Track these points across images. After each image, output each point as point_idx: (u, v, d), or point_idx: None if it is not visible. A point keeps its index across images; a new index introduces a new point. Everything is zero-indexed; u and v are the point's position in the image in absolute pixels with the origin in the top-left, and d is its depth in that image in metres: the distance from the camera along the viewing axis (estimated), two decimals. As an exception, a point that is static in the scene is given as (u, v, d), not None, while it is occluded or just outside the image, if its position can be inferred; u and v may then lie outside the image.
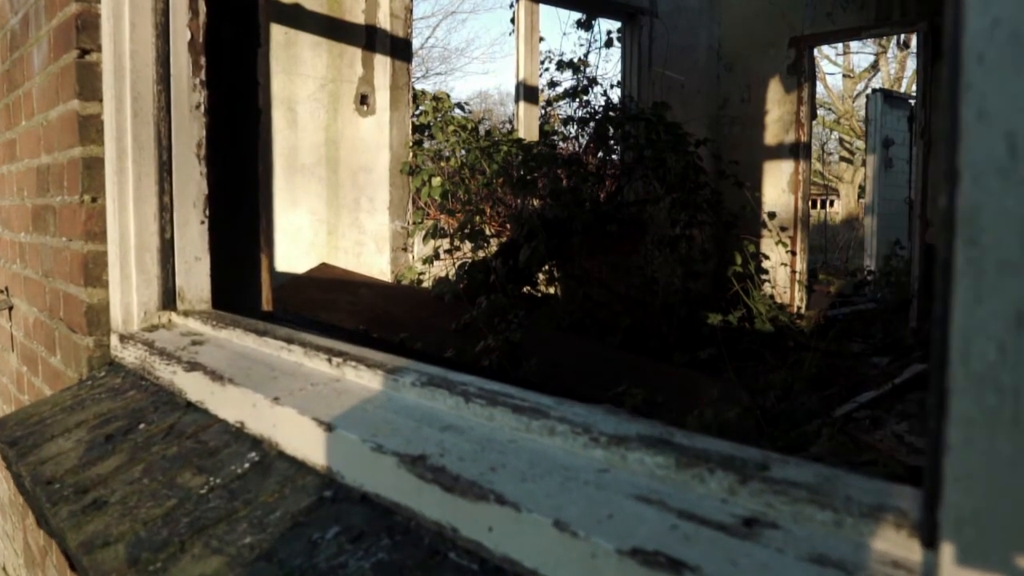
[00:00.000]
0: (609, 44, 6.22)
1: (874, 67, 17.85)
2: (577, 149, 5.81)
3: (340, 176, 4.64)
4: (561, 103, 6.08)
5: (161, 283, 1.52)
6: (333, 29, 4.52)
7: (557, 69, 5.92)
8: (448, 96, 5.50)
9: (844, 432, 3.57)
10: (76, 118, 1.54)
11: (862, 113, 15.91)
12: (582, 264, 5.10)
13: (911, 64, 16.70)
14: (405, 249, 4.91)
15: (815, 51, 6.97)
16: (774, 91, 6.72)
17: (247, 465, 0.97)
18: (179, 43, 1.52)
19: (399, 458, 0.76)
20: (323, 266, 4.40)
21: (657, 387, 3.65)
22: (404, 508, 0.76)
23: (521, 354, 3.78)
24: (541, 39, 5.80)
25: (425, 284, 4.78)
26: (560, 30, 30.15)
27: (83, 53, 1.53)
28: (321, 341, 1.15)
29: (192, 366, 1.21)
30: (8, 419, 1.47)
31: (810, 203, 6.95)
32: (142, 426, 1.19)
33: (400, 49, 4.80)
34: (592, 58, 6.95)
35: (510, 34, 5.84)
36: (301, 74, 4.42)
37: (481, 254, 4.73)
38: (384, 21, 4.72)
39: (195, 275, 1.56)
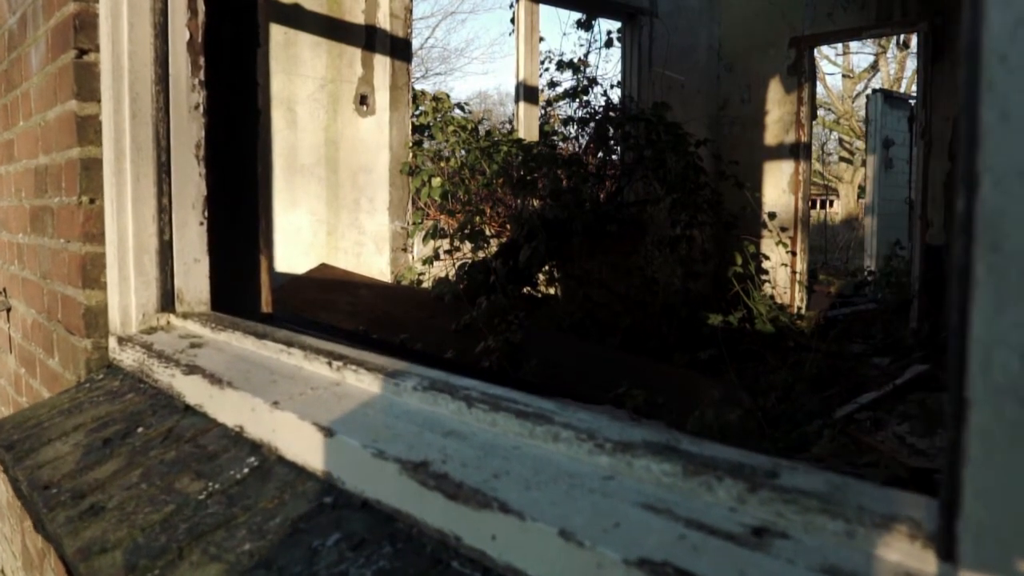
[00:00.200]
0: (609, 44, 6.21)
1: (874, 67, 17.85)
2: (577, 149, 5.80)
3: (340, 176, 4.62)
4: (561, 103, 6.07)
5: (160, 285, 1.51)
6: (333, 29, 4.51)
7: (557, 69, 5.91)
8: (448, 96, 5.49)
9: (845, 433, 3.56)
10: (74, 119, 1.53)
11: (862, 113, 15.92)
12: (582, 264, 5.09)
13: (911, 64, 16.72)
14: (405, 249, 4.90)
15: (815, 51, 6.96)
16: (774, 91, 6.71)
17: (246, 470, 0.96)
18: (178, 43, 1.51)
19: (401, 464, 0.75)
20: (323, 267, 4.39)
21: (658, 388, 3.64)
22: (406, 515, 0.75)
23: (521, 355, 3.76)
24: (541, 39, 5.80)
25: (425, 285, 4.77)
26: (560, 30, 30.12)
27: (81, 53, 1.52)
28: (321, 344, 1.14)
29: (191, 369, 1.19)
30: (5, 422, 1.46)
31: (810, 203, 6.94)
32: (140, 430, 1.18)
33: (400, 49, 4.79)
34: (592, 58, 6.94)
35: (510, 34, 5.83)
36: (301, 74, 4.40)
37: (481, 254, 4.72)
38: (384, 21, 4.70)
39: (194, 277, 1.54)
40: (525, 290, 4.85)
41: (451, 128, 5.29)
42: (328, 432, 0.86)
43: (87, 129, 1.53)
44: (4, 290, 2.34)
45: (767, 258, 5.87)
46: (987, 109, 0.39)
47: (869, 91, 11.53)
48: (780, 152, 6.71)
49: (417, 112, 5.28)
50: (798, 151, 6.60)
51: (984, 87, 0.39)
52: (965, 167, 0.41)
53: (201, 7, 1.53)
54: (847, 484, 0.57)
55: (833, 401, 4.12)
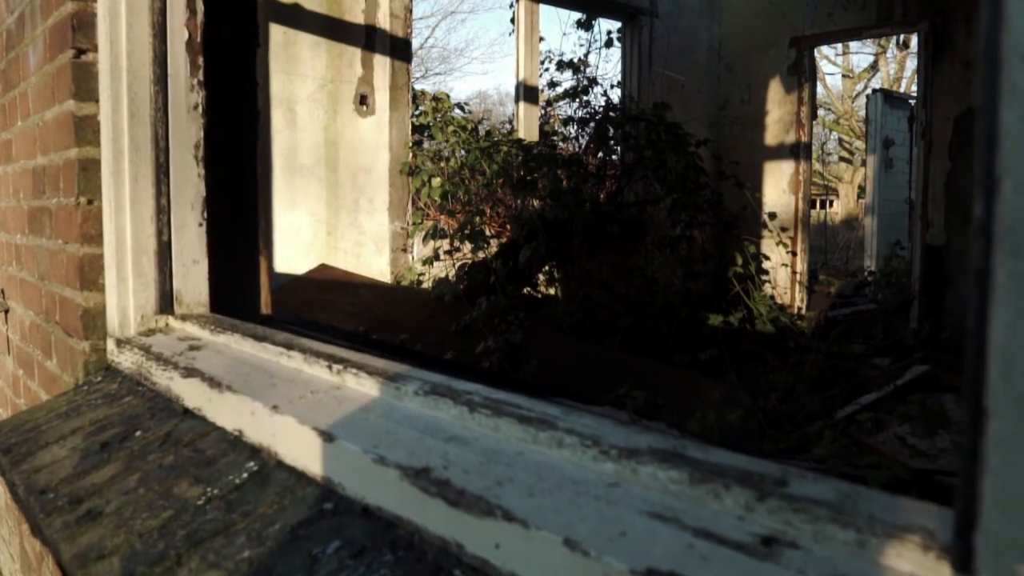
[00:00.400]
0: (609, 44, 6.20)
1: (873, 67, 17.84)
2: (577, 149, 5.78)
3: (339, 177, 4.61)
4: (561, 103, 6.06)
5: (158, 287, 1.50)
6: (332, 29, 4.50)
7: (557, 69, 5.89)
8: (448, 96, 5.48)
9: (846, 434, 3.55)
10: (72, 119, 1.52)
11: (861, 113, 15.91)
12: (582, 265, 5.08)
13: (911, 64, 16.71)
14: (405, 250, 4.89)
15: (815, 51, 6.95)
16: (774, 91, 6.70)
17: (245, 475, 0.94)
18: (176, 43, 1.50)
19: (402, 470, 0.74)
20: (322, 267, 4.38)
21: (658, 389, 3.63)
22: (407, 522, 0.73)
23: (521, 355, 3.75)
24: (541, 39, 5.78)
25: (425, 285, 4.76)
26: (560, 30, 30.12)
27: (79, 53, 1.51)
28: (321, 347, 1.12)
29: (189, 372, 1.18)
30: (2, 425, 1.44)
31: (810, 203, 6.93)
32: (138, 433, 1.17)
33: (400, 49, 4.78)
34: (592, 58, 6.93)
35: (510, 34, 5.81)
36: (300, 74, 4.39)
37: (481, 255, 4.71)
38: (384, 21, 4.69)
39: (193, 278, 1.53)
40: (525, 290, 4.84)
41: (451, 128, 5.27)
42: (328, 437, 0.85)
43: (85, 129, 1.52)
44: (2, 291, 2.33)
45: (767, 258, 5.86)
46: (1008, 111, 0.38)
47: (869, 91, 11.52)
48: (780, 152, 6.70)
49: (417, 112, 5.27)
50: (798, 151, 6.59)
51: (1005, 88, 0.38)
52: (983, 170, 0.40)
53: (200, 7, 1.52)
54: (857, 492, 0.56)
55: (834, 402, 4.11)
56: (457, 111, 5.59)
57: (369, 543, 0.75)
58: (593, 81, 5.88)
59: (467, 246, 4.74)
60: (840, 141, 18.88)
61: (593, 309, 4.99)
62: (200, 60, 1.52)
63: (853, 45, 17.71)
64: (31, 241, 1.92)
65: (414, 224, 4.92)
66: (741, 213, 6.31)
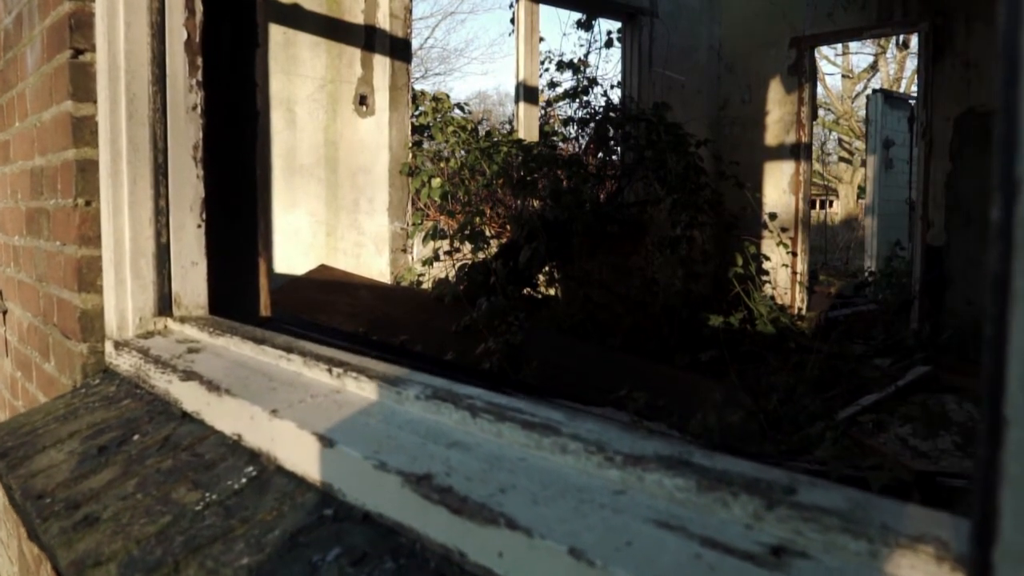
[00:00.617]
0: (609, 44, 6.19)
1: (873, 67, 17.84)
2: (577, 150, 5.77)
3: (339, 177, 4.60)
4: (561, 104, 6.05)
5: (157, 288, 1.49)
6: (332, 29, 4.49)
7: (557, 69, 5.89)
8: (448, 97, 5.46)
9: (847, 436, 3.54)
10: (70, 119, 1.51)
11: (861, 113, 15.91)
12: (582, 265, 5.07)
13: (910, 64, 16.71)
14: (404, 250, 4.88)
15: (815, 51, 6.94)
16: (775, 92, 6.69)
17: (244, 480, 0.93)
18: (175, 43, 1.49)
19: (403, 477, 0.73)
20: (322, 267, 4.37)
21: (659, 390, 3.62)
22: (408, 529, 0.72)
23: (522, 356, 3.74)
24: (541, 39, 5.77)
25: (425, 286, 4.75)
26: (560, 30, 30.12)
27: (77, 53, 1.49)
28: (321, 350, 1.11)
29: (188, 375, 1.17)
30: (0, 428, 1.43)
31: (810, 204, 6.92)
32: (136, 437, 1.16)
33: (399, 49, 4.77)
34: (592, 58, 6.91)
35: (510, 34, 5.80)
36: (300, 74, 4.38)
37: (481, 255, 4.69)
38: (383, 21, 4.68)
39: (191, 280, 1.52)
40: (525, 291, 4.83)
41: (451, 128, 5.26)
42: (328, 442, 0.84)
43: (83, 130, 1.51)
44: (0, 293, 2.31)
45: (767, 259, 5.85)
46: (1029, 112, 0.36)
47: (869, 91, 11.51)
48: (780, 152, 6.69)
49: (417, 112, 5.26)
50: (799, 151, 6.58)
51: (1025, 89, 0.37)
52: (1003, 172, 0.39)
53: (199, 6, 1.51)
54: (868, 501, 0.55)
55: (835, 403, 4.10)
56: (457, 111, 5.57)
57: (370, 550, 0.73)
58: (593, 81, 5.87)
59: (467, 247, 4.73)
60: (840, 141, 18.89)
61: (593, 310, 4.98)
62: (199, 60, 1.51)
63: (853, 45, 17.72)
64: (29, 242, 1.91)
65: (414, 225, 4.91)
66: (741, 213, 6.31)
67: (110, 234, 1.47)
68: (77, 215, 1.51)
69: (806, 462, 2.87)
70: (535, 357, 3.70)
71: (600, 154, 5.73)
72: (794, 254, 6.54)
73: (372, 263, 4.76)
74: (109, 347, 1.50)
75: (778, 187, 6.72)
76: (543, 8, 5.77)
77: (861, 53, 21.97)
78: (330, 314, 3.89)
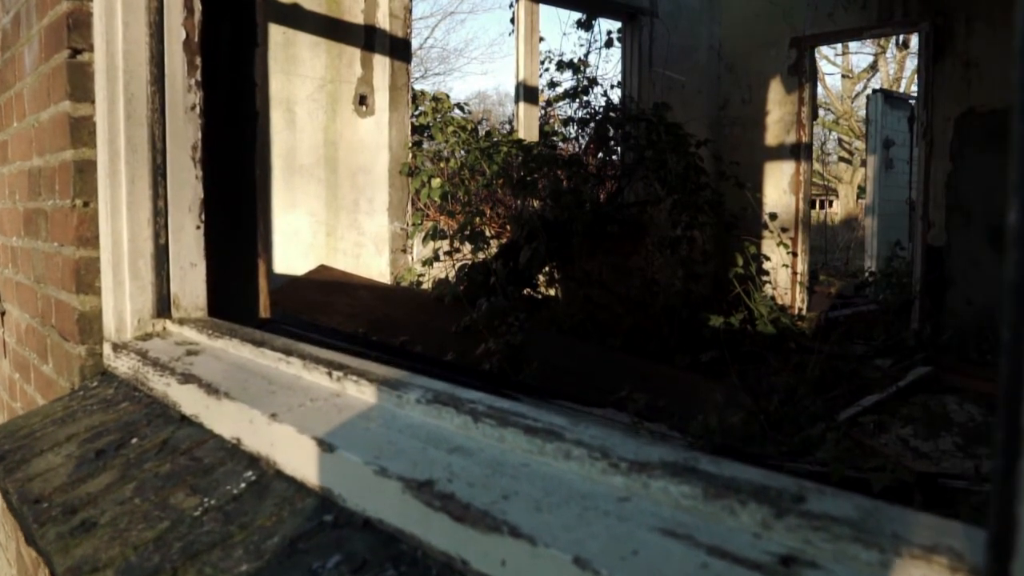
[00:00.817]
0: (609, 44, 6.18)
1: (873, 67, 17.83)
2: (577, 150, 5.76)
3: (339, 177, 4.59)
4: (561, 104, 6.04)
5: (155, 290, 1.47)
6: (332, 29, 4.47)
7: (557, 69, 5.88)
8: (448, 96, 5.45)
9: (848, 436, 3.53)
10: (67, 120, 1.50)
11: (861, 113, 15.91)
12: (583, 266, 5.06)
13: (910, 64, 16.70)
14: (404, 251, 4.87)
15: (815, 52, 6.93)
16: (775, 92, 6.68)
17: (243, 485, 0.92)
18: (174, 42, 1.47)
19: (405, 483, 0.72)
20: (322, 268, 4.36)
21: (659, 390, 3.61)
22: (410, 536, 0.71)
23: (522, 357, 3.73)
24: (541, 39, 5.76)
25: (425, 286, 4.74)
26: (560, 30, 30.10)
27: (75, 53, 1.48)
28: (321, 353, 1.10)
29: (186, 378, 1.16)
30: (-3, 431, 1.42)
31: (810, 204, 6.92)
32: (134, 441, 1.15)
33: (399, 49, 4.76)
34: (592, 58, 6.90)
35: (510, 34, 5.79)
36: (300, 74, 4.37)
37: (481, 256, 4.68)
38: (383, 21, 4.67)
39: (190, 282, 1.51)
40: (525, 291, 4.82)
41: (451, 129, 5.25)
42: (328, 447, 0.83)
43: (81, 130, 1.50)
44: (-2, 294, 2.30)
45: (768, 259, 5.84)
46: (1050, 114, 0.35)
47: (869, 91, 11.50)
48: (781, 152, 6.68)
49: (417, 112, 5.25)
50: (799, 151, 6.57)
51: (1046, 90, 0.36)
52: (1019, 174, 0.38)
53: (198, 6, 1.49)
54: (879, 509, 0.54)
55: (836, 404, 4.09)
56: (457, 111, 5.56)
57: (371, 557, 0.72)
58: (593, 81, 5.86)
59: (467, 247, 4.72)
60: (839, 141, 18.88)
61: (593, 310, 4.97)
62: (198, 60, 1.50)
63: (852, 45, 17.71)
64: (27, 243, 1.90)
65: (414, 225, 4.90)
66: (742, 214, 6.30)
67: (108, 235, 1.46)
68: (75, 216, 1.50)
69: (807, 463, 2.86)
70: (535, 358, 3.69)
71: (600, 154, 5.72)
72: (794, 254, 6.54)
73: (372, 263, 4.74)
74: (107, 349, 1.49)
75: (778, 187, 6.71)
76: (543, 8, 5.76)
77: (861, 53, 21.97)
78: (330, 315, 3.88)
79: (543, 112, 6.05)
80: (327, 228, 4.57)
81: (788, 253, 6.35)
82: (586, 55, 6.04)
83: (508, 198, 5.18)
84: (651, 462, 0.65)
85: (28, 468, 1.18)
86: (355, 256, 4.69)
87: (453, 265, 4.72)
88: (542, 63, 5.80)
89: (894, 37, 13.85)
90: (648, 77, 6.29)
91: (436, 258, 4.78)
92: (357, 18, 4.58)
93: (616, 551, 0.56)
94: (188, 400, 1.15)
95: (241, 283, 1.70)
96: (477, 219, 4.85)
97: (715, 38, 6.91)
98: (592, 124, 5.65)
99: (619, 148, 5.77)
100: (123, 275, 1.45)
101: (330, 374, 1.02)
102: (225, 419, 1.05)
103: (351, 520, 0.78)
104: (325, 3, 4.44)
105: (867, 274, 8.42)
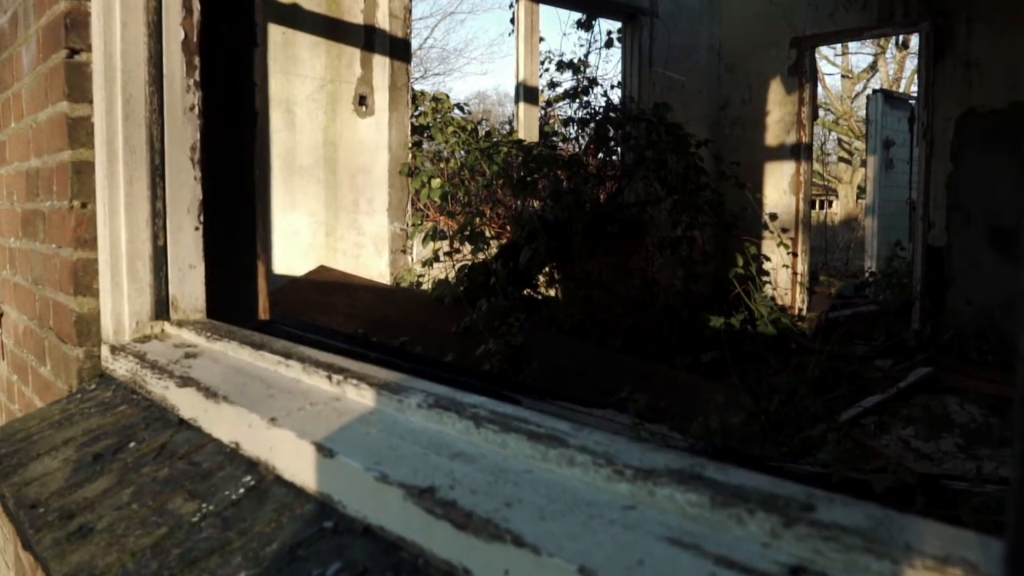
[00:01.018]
0: (609, 44, 6.17)
1: (872, 67, 17.83)
2: (577, 150, 5.75)
3: (339, 177, 4.58)
4: (561, 104, 6.03)
5: (154, 292, 1.46)
6: (332, 29, 4.46)
7: (557, 70, 5.86)
8: (448, 97, 5.44)
9: (849, 437, 3.52)
10: (65, 120, 1.48)
11: (861, 113, 15.90)
12: (583, 266, 5.05)
13: (910, 64, 16.70)
14: (404, 251, 4.86)
15: (815, 52, 6.92)
16: (775, 92, 6.67)
17: (242, 490, 0.91)
18: (172, 43, 1.46)
19: (406, 490, 0.71)
20: (321, 268, 4.34)
21: (660, 391, 3.60)
22: (411, 544, 0.70)
23: (522, 358, 3.72)
24: (541, 39, 5.75)
25: (424, 287, 4.73)
26: (560, 30, 30.09)
27: (72, 53, 1.47)
28: (320, 356, 1.09)
29: (185, 381, 1.15)
30: (-6, 434, 1.41)
31: (810, 204, 6.91)
32: (132, 444, 1.13)
33: (399, 49, 4.74)
34: (592, 58, 6.89)
35: (510, 34, 5.78)
36: (299, 75, 4.36)
37: (481, 256, 4.67)
38: (383, 21, 4.66)
39: (189, 283, 1.50)
40: (525, 292, 4.81)
41: (451, 129, 5.24)
42: (328, 452, 0.82)
43: (79, 131, 1.49)
44: (-4, 295, 2.29)
45: (768, 259, 5.83)
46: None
47: (868, 91, 11.50)
48: (781, 153, 6.67)
49: (416, 113, 5.23)
50: (799, 152, 6.56)
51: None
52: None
53: (196, 5, 1.48)
54: (890, 518, 0.53)
55: (837, 404, 4.08)
56: (457, 112, 5.55)
57: (371, 565, 0.71)
58: (593, 81, 5.85)
59: (467, 247, 4.71)
60: (839, 141, 18.87)
61: (594, 310, 4.96)
62: (196, 60, 1.49)
63: (852, 45, 17.71)
64: (25, 245, 1.88)
65: (413, 225, 4.88)
66: (742, 214, 6.29)
67: (106, 237, 1.44)
68: (73, 217, 1.49)
69: (808, 465, 2.85)
70: (535, 358, 3.68)
71: (600, 154, 5.71)
72: (794, 254, 6.53)
73: (372, 264, 4.73)
74: (105, 351, 1.48)
75: (778, 187, 6.70)
76: (543, 8, 5.75)
77: (860, 53, 21.95)
78: (329, 315, 3.87)
79: (543, 112, 6.04)
80: (327, 228, 4.56)
81: (788, 253, 6.34)
82: (586, 55, 6.03)
83: (508, 198, 5.16)
84: (657, 469, 0.64)
85: (25, 472, 1.16)
86: (355, 257, 4.68)
87: (453, 266, 4.70)
88: (542, 63, 5.79)
89: (894, 37, 13.85)
90: (648, 77, 6.28)
91: (436, 259, 4.77)
92: (357, 18, 4.57)
93: (622, 561, 0.55)
94: (186, 403, 1.14)
95: (240, 284, 1.69)
96: (477, 219, 4.84)
97: (715, 38, 6.90)
98: (592, 124, 5.64)
99: (619, 148, 5.76)
100: (121, 277, 1.44)
101: (330, 378, 1.01)
102: (224, 423, 1.04)
103: (351, 527, 0.77)
104: (325, 3, 4.43)
105: (867, 274, 8.41)
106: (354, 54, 4.58)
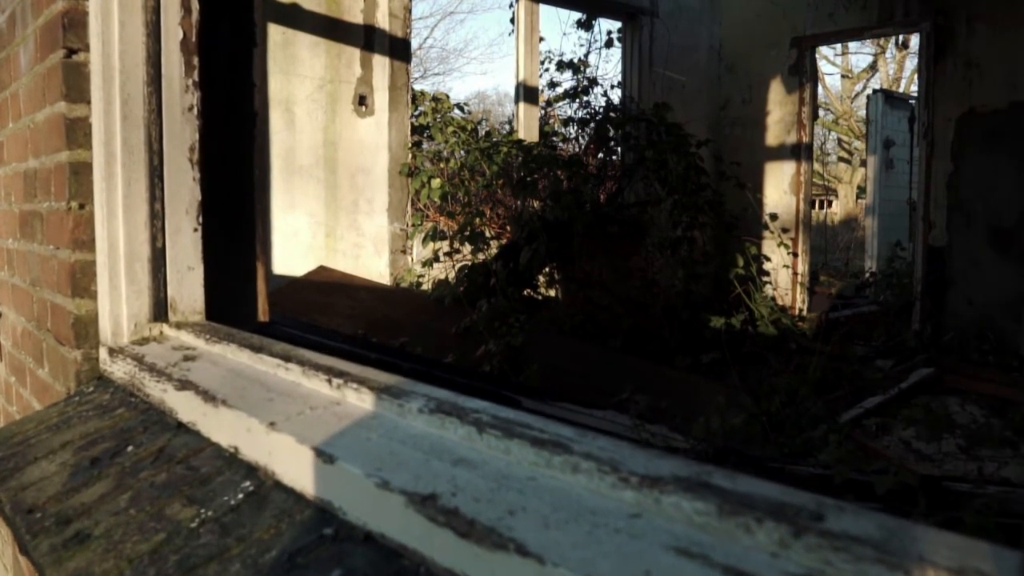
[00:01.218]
0: (609, 44, 6.16)
1: (872, 67, 17.82)
2: (577, 150, 5.74)
3: (338, 178, 4.57)
4: (561, 104, 6.02)
5: (152, 294, 1.45)
6: (331, 29, 4.45)
7: (557, 69, 5.85)
8: (447, 97, 5.43)
9: (851, 438, 3.51)
10: (63, 121, 1.47)
11: (861, 113, 15.90)
12: (583, 266, 5.04)
13: (910, 64, 16.69)
14: (404, 251, 4.84)
15: (815, 52, 6.91)
16: (775, 92, 6.66)
17: (241, 496, 0.90)
18: (171, 42, 1.45)
19: (407, 497, 0.69)
20: (321, 269, 4.33)
21: (660, 392, 3.59)
22: (413, 552, 0.69)
23: (522, 358, 3.71)
24: (541, 39, 5.74)
25: (424, 287, 4.72)
26: (560, 30, 30.07)
27: (70, 53, 1.46)
28: (320, 359, 1.08)
29: (183, 384, 1.14)
30: (-9, 437, 1.40)
31: (810, 204, 6.90)
32: (130, 448, 1.12)
33: (399, 49, 4.73)
34: (592, 58, 6.88)
35: (510, 34, 5.77)
36: (299, 74, 4.35)
37: (481, 257, 4.66)
38: (383, 21, 4.65)
39: (188, 285, 1.49)
40: (525, 292, 4.80)
41: (451, 129, 5.23)
42: (328, 458, 0.81)
43: (76, 132, 1.47)
44: (-6, 296, 2.28)
45: (768, 259, 5.82)
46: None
47: (868, 91, 11.49)
48: (781, 153, 6.66)
49: (416, 113, 5.22)
50: (799, 152, 6.55)
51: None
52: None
53: (195, 5, 1.47)
54: (902, 528, 0.52)
55: (838, 405, 4.07)
56: (456, 112, 5.54)
57: (372, 573, 0.70)
58: (593, 81, 5.84)
59: (467, 248, 4.70)
60: (839, 141, 18.86)
61: (594, 311, 4.94)
62: (195, 60, 1.48)
63: (852, 45, 17.70)
64: (23, 246, 1.87)
65: (413, 225, 4.87)
66: (742, 214, 6.28)
67: (104, 238, 1.43)
68: (70, 218, 1.48)
69: (810, 466, 2.84)
70: (536, 359, 3.67)
71: (600, 154, 5.70)
72: (795, 255, 6.52)
73: (371, 264, 4.72)
74: (103, 354, 1.47)
75: (779, 188, 6.69)
76: (543, 8, 5.73)
77: (860, 53, 21.95)
78: (329, 316, 3.85)
79: (543, 112, 6.03)
80: (326, 229, 4.55)
81: (789, 254, 6.33)
82: (586, 55, 6.02)
83: (508, 199, 5.15)
84: (663, 477, 0.63)
85: (22, 476, 1.15)
86: (354, 257, 4.66)
87: (453, 266, 4.69)
88: (542, 63, 5.78)
89: (893, 37, 13.84)
90: (648, 77, 6.27)
91: (436, 259, 4.76)
92: (356, 18, 4.56)
93: (628, 571, 0.54)
94: (185, 407, 1.13)
95: (239, 286, 1.67)
96: (477, 220, 4.83)
97: (715, 38, 6.89)
98: (592, 124, 5.63)
99: (619, 148, 5.75)
100: (119, 278, 1.43)
101: (330, 381, 1.00)
102: (223, 427, 1.03)
103: (352, 534, 0.76)
104: (324, 3, 4.42)
105: (868, 275, 8.40)
106: (354, 54, 4.57)
